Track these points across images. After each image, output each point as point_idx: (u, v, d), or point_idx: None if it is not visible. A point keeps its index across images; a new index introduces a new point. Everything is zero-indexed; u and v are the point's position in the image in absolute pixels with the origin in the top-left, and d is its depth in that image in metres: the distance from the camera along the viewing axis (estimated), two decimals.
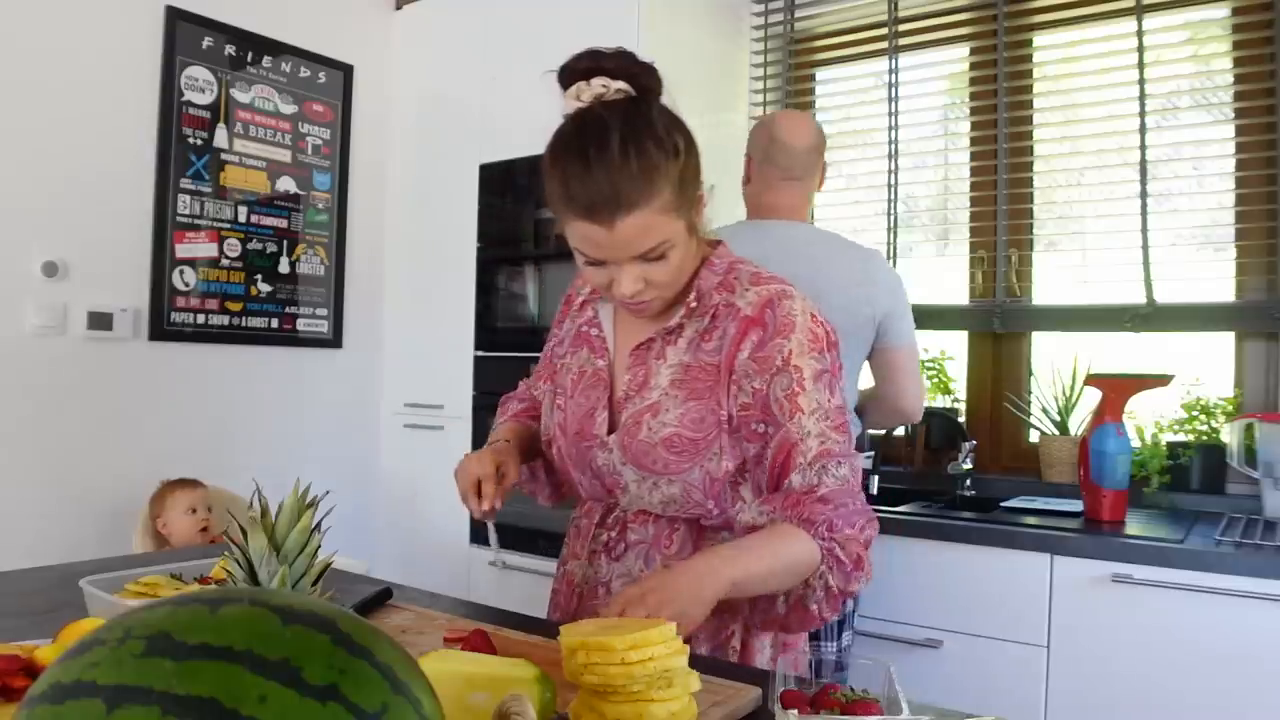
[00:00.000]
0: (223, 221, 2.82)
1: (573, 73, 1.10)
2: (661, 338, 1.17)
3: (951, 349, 2.70)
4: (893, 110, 2.74)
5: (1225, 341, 2.35)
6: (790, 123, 1.97)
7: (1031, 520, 2.03)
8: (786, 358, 1.09)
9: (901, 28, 2.76)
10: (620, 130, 1.03)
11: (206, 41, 2.77)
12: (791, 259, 1.79)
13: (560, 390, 1.27)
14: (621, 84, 1.07)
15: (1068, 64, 2.56)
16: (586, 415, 1.21)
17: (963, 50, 2.72)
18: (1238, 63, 2.32)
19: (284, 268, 3.00)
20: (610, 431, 1.19)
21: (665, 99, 1.11)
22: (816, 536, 1.04)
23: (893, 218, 2.74)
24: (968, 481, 2.48)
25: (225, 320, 2.84)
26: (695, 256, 1.15)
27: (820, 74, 2.98)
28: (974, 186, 2.67)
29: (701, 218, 1.14)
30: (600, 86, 1.07)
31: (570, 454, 1.23)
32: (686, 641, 0.84)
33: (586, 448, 1.21)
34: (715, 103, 2.91)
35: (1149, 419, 2.38)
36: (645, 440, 1.13)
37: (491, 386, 2.87)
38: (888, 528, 1.97)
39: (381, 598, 1.25)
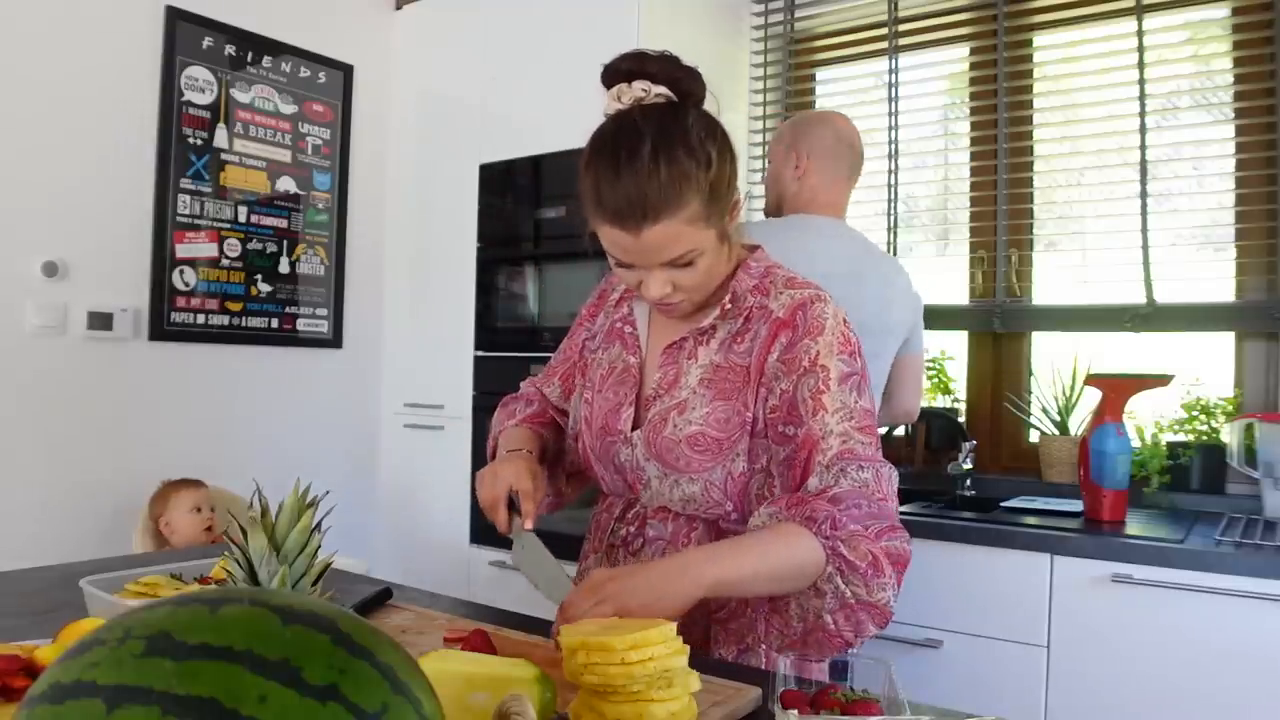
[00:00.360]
0: (223, 221, 2.82)
1: (615, 73, 1.09)
2: (694, 337, 1.18)
3: (951, 349, 2.70)
4: (893, 110, 2.74)
5: (1225, 341, 2.35)
6: (847, 124, 2.02)
7: (1031, 520, 2.03)
8: (814, 358, 1.09)
9: (901, 28, 2.76)
10: (653, 138, 1.03)
11: (206, 41, 2.77)
12: (840, 259, 1.83)
13: (589, 384, 1.28)
14: (662, 88, 1.07)
15: (1068, 64, 2.56)
16: (612, 410, 1.22)
17: (963, 50, 2.72)
18: (1238, 63, 2.32)
19: (284, 268, 3.00)
20: (635, 428, 1.19)
21: (710, 103, 1.11)
22: (819, 534, 0.99)
23: (893, 218, 2.74)
24: (968, 481, 2.48)
25: (225, 320, 2.84)
26: (728, 261, 1.16)
27: (820, 74, 2.98)
28: (974, 186, 2.67)
29: (735, 224, 1.14)
30: (640, 90, 1.07)
31: (594, 448, 1.24)
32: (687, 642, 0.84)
33: (610, 443, 1.21)
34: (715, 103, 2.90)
35: (1149, 419, 2.38)
36: (670, 437, 1.14)
37: (491, 386, 2.87)
38: None
39: (381, 598, 1.25)
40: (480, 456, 2.77)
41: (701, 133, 1.06)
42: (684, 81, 1.08)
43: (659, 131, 1.03)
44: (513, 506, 1.16)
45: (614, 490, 1.26)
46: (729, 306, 1.15)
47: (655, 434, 1.15)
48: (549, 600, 1.07)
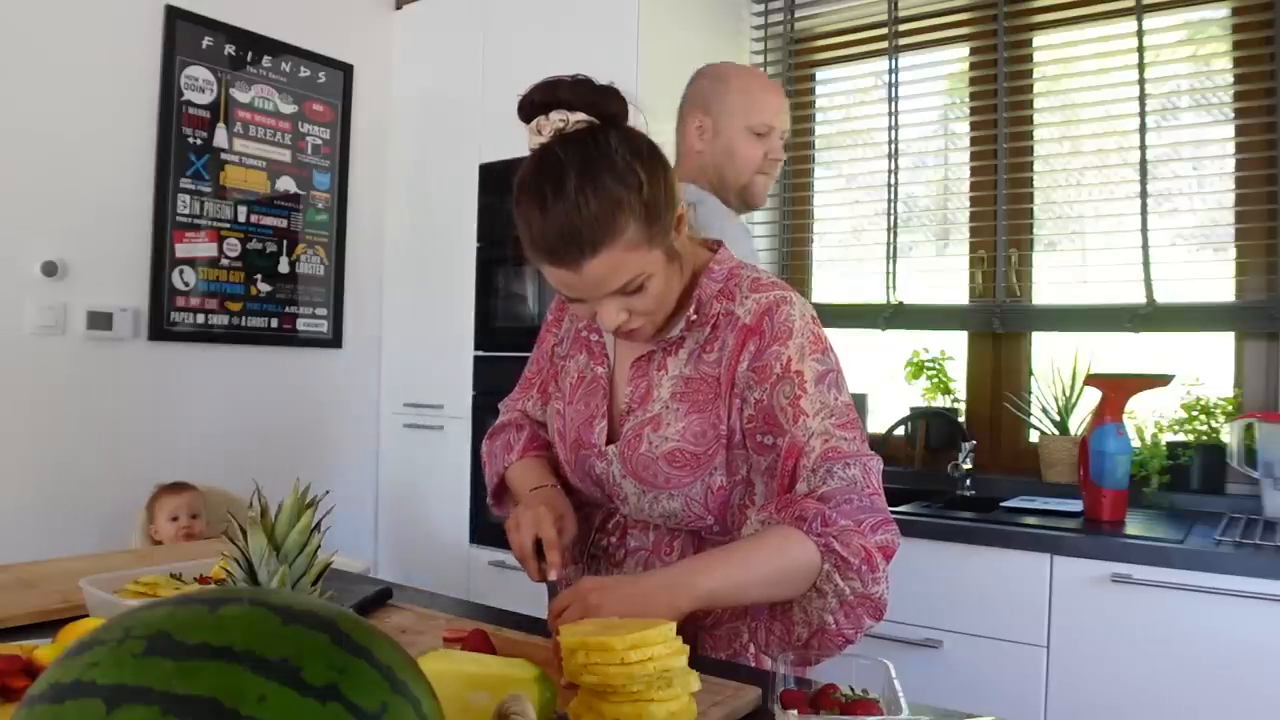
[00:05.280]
0: (222, 221, 2.82)
1: (531, 106, 1.05)
2: (662, 349, 1.16)
3: (951, 349, 2.70)
4: (893, 110, 2.74)
5: (1225, 341, 2.35)
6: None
7: (1031, 520, 2.03)
8: (786, 365, 1.07)
9: (901, 28, 2.76)
10: (576, 169, 0.99)
11: (206, 41, 2.77)
12: None
13: (559, 394, 1.26)
14: (580, 115, 1.03)
15: (1067, 64, 2.56)
16: (585, 423, 1.20)
17: (963, 50, 2.72)
18: (1238, 63, 2.32)
19: (284, 267, 3.00)
20: (609, 441, 1.18)
21: (634, 114, 1.07)
22: (810, 533, 0.99)
23: (893, 218, 2.74)
24: (968, 481, 2.48)
25: (225, 320, 2.84)
26: (684, 274, 1.13)
27: (820, 74, 2.98)
28: (974, 186, 2.67)
29: (683, 237, 1.10)
30: (559, 120, 1.02)
31: (569, 461, 1.23)
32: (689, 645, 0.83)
33: (585, 456, 1.19)
34: None
35: (1149, 419, 2.38)
36: (646, 454, 1.12)
37: (491, 386, 2.87)
38: None
39: (381, 598, 1.25)
40: (480, 455, 2.76)
41: (627, 154, 1.02)
42: (602, 103, 1.04)
43: (581, 161, 0.99)
44: (541, 554, 1.13)
45: (592, 500, 1.24)
46: (694, 317, 1.13)
47: (631, 451, 1.13)
48: None
